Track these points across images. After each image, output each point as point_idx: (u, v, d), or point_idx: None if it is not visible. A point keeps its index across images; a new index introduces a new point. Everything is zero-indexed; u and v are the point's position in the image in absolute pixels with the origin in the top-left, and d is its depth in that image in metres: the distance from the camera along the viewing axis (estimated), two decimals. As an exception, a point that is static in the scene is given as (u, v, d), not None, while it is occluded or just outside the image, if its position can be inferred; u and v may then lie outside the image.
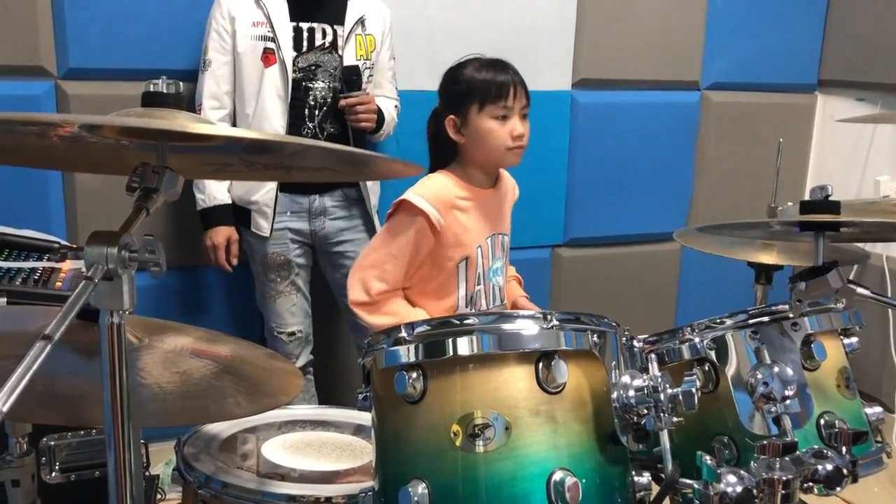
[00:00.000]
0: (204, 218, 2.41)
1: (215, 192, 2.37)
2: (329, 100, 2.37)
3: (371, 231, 2.51)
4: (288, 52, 2.29)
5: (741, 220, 1.45)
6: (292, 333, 2.49)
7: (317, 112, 2.36)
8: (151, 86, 0.97)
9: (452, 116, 1.72)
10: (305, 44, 2.33)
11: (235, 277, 2.61)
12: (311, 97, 2.35)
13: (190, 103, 2.39)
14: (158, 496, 2.14)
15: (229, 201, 2.40)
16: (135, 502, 0.95)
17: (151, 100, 0.97)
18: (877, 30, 3.22)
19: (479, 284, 1.78)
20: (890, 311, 2.99)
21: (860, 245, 2.33)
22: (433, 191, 1.72)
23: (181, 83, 0.99)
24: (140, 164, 0.93)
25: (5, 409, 0.69)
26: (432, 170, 1.79)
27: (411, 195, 1.70)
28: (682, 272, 3.40)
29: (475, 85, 1.70)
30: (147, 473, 1.92)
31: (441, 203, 1.70)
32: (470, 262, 1.76)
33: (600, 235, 3.25)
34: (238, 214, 2.42)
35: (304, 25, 2.33)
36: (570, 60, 3.06)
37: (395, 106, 2.56)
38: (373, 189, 2.51)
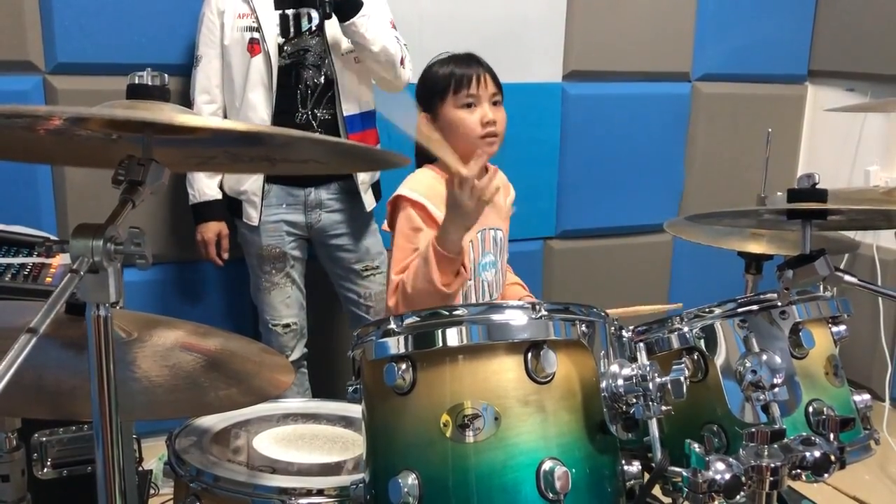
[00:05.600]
0: (195, 213, 2.44)
1: (205, 187, 2.40)
2: (321, 85, 2.36)
3: (361, 219, 2.49)
4: (272, 41, 2.29)
5: (730, 209, 1.45)
6: (287, 326, 2.49)
7: (308, 98, 2.36)
8: (136, 78, 0.96)
9: (425, 114, 1.74)
10: (292, 30, 2.32)
11: (230, 271, 2.61)
12: (302, 83, 2.34)
13: (178, 96, 2.39)
14: (151, 491, 2.14)
15: (219, 196, 2.42)
16: (125, 497, 0.95)
17: (136, 92, 0.96)
18: (866, 20, 3.22)
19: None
20: (879, 299, 3.00)
21: (850, 235, 2.34)
22: (424, 184, 1.72)
23: (166, 75, 0.99)
24: (126, 157, 0.93)
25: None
26: (418, 166, 1.79)
27: (405, 190, 1.70)
28: (673, 263, 3.41)
29: (439, 80, 1.73)
30: (140, 469, 1.92)
31: (434, 194, 1.69)
32: None
33: (592, 227, 3.26)
34: (231, 206, 2.43)
35: (290, 12, 2.32)
36: (561, 52, 3.06)
37: (397, 38, 2.37)
38: None
